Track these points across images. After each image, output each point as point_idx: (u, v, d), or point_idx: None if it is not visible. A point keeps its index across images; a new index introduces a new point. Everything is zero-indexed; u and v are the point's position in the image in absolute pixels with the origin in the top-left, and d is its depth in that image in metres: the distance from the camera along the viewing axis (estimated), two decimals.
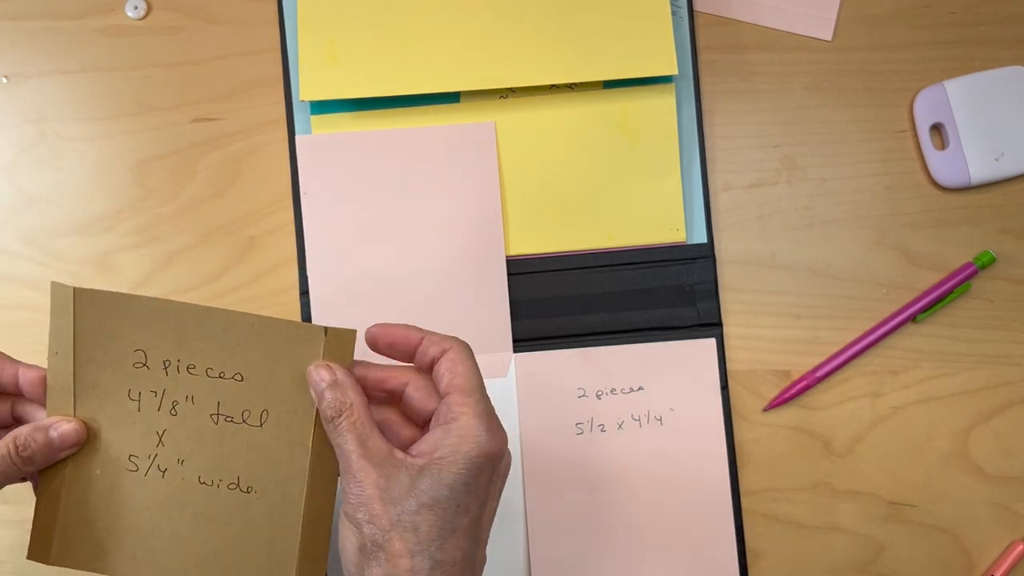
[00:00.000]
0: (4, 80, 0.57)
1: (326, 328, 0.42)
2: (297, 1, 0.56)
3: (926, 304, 0.56)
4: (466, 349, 0.42)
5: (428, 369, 0.42)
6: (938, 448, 0.56)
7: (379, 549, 0.38)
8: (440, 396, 0.41)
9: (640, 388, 0.56)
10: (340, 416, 0.40)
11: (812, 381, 0.56)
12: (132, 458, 0.43)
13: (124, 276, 0.56)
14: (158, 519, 0.43)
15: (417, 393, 0.42)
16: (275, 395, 0.43)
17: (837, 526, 0.56)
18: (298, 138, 0.56)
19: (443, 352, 0.41)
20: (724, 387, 0.56)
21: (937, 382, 0.56)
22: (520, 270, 0.56)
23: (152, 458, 0.43)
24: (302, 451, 0.43)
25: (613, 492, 0.55)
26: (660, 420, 0.56)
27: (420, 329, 0.42)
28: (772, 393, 0.56)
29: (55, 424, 0.42)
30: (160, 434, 0.43)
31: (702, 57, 0.58)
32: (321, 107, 0.56)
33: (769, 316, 0.57)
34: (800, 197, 0.57)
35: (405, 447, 0.41)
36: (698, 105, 0.57)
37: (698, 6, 0.58)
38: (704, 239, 0.57)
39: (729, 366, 0.56)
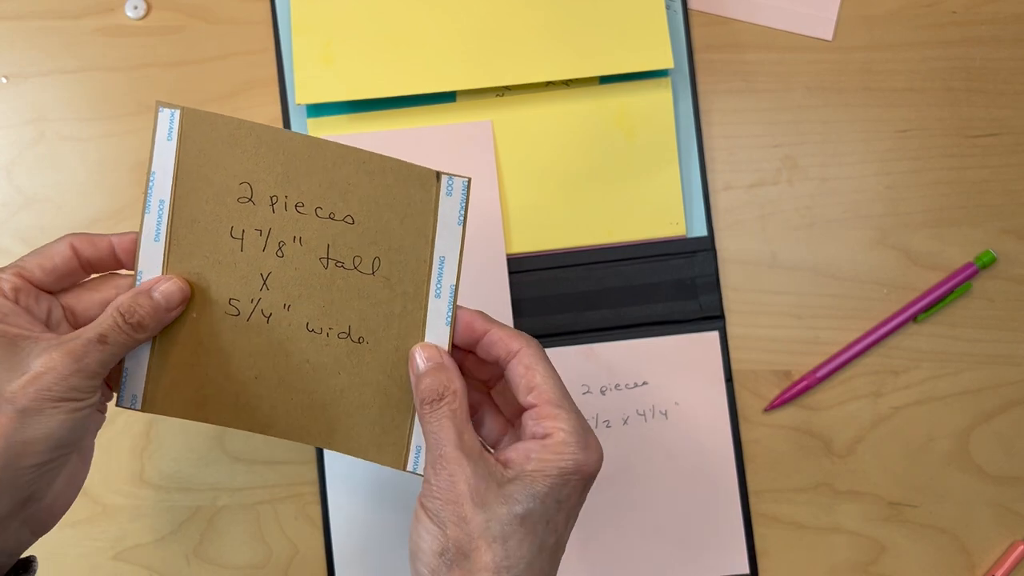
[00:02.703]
0: (3, 80, 0.57)
1: (438, 173, 0.39)
2: (290, 4, 0.56)
3: (927, 304, 0.56)
4: (538, 350, 0.39)
5: (491, 363, 0.40)
6: (939, 448, 0.56)
7: (464, 558, 0.35)
8: (521, 403, 0.39)
9: (644, 383, 0.56)
10: (441, 400, 0.37)
11: (813, 381, 0.56)
12: (233, 301, 0.40)
13: None
14: (262, 366, 0.40)
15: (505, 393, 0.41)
16: (386, 242, 0.39)
17: (838, 526, 0.56)
18: None
19: (510, 354, 0.39)
20: (728, 379, 0.56)
21: (938, 382, 0.56)
22: (521, 268, 0.56)
23: (255, 302, 0.40)
24: (416, 304, 0.40)
25: (619, 487, 0.55)
26: (665, 414, 0.55)
27: (487, 319, 0.40)
28: (773, 393, 0.56)
29: (156, 285, 0.39)
30: (264, 276, 0.40)
31: (702, 56, 0.58)
32: (317, 110, 0.56)
33: (770, 316, 0.57)
34: (801, 197, 0.57)
35: (490, 443, 0.39)
36: (695, 98, 0.57)
37: (695, 5, 0.58)
38: (704, 232, 0.56)
39: (730, 365, 0.56)
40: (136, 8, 0.57)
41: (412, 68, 0.55)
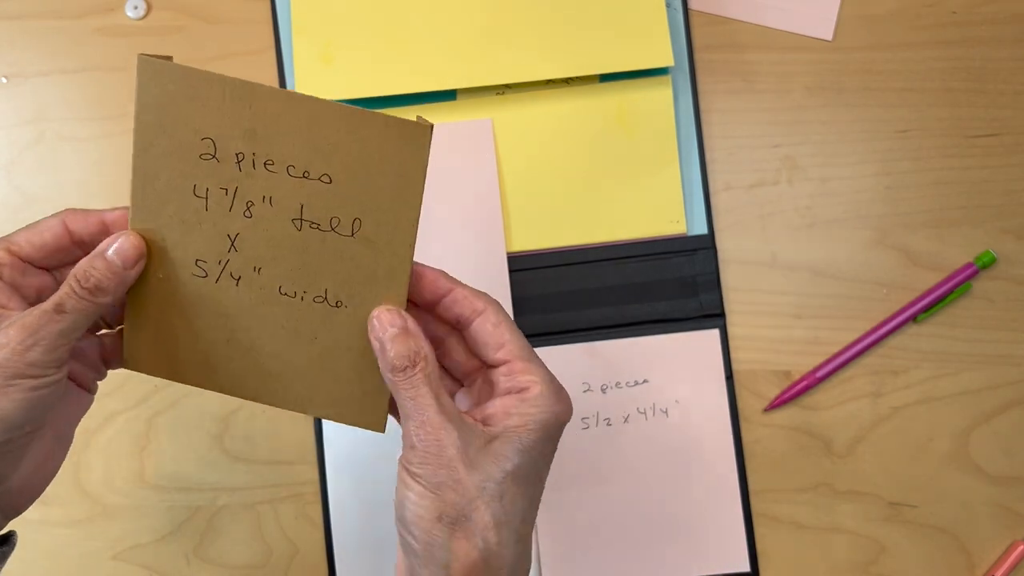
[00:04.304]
0: (3, 80, 0.57)
1: (432, 125, 0.37)
2: (290, 4, 0.56)
3: (927, 304, 0.56)
4: (502, 309, 0.39)
5: (451, 321, 0.40)
6: (939, 448, 0.56)
7: (465, 519, 0.35)
8: (490, 360, 0.39)
9: (645, 381, 0.56)
10: (414, 367, 0.36)
11: (813, 381, 0.56)
12: (199, 263, 0.38)
13: None
14: (234, 328, 0.39)
15: (456, 350, 0.40)
16: (370, 202, 0.37)
17: (838, 526, 0.56)
18: None
19: (475, 312, 0.39)
20: (729, 377, 0.56)
21: (938, 382, 0.56)
22: (521, 266, 0.56)
23: (223, 264, 0.38)
24: (402, 267, 0.38)
25: (620, 485, 0.55)
26: (666, 412, 0.56)
27: (450, 278, 0.39)
28: (773, 393, 0.56)
29: (109, 244, 0.37)
30: (232, 238, 0.38)
31: (702, 56, 0.58)
32: None
33: (770, 316, 0.57)
34: (801, 197, 0.57)
35: None
36: (695, 97, 0.57)
37: (695, 5, 0.58)
38: (704, 230, 0.56)
39: (731, 364, 0.56)
40: (136, 8, 0.57)
41: (412, 67, 0.55)
